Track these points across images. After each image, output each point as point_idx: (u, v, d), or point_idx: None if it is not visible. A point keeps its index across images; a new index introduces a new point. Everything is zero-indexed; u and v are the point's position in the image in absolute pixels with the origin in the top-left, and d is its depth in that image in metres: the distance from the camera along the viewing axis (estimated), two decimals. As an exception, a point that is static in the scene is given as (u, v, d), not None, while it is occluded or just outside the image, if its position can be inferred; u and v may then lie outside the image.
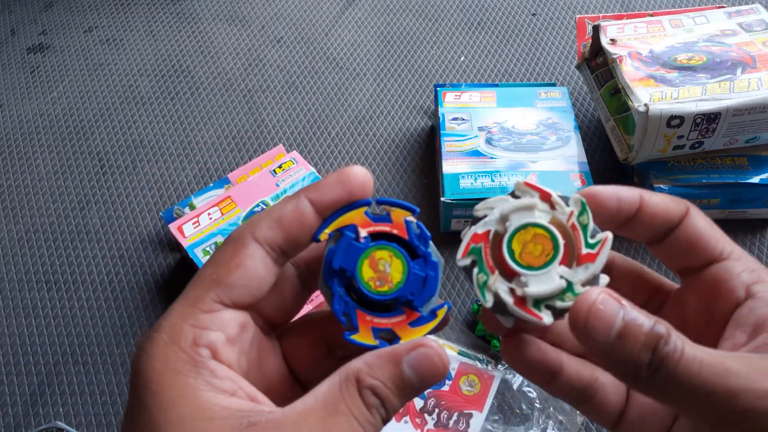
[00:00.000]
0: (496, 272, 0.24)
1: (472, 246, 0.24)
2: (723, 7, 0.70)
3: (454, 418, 0.52)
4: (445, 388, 0.54)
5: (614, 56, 0.65)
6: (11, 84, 0.83)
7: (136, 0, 0.94)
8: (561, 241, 0.23)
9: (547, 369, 0.26)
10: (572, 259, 0.24)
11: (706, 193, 0.62)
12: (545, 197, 0.24)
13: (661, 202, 0.25)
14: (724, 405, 0.20)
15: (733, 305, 0.23)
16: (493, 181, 0.62)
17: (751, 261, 0.24)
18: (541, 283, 0.23)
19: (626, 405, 0.26)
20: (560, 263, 0.23)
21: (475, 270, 0.24)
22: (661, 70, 0.63)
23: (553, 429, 0.52)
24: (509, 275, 0.24)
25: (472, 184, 0.62)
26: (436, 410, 0.53)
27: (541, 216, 0.24)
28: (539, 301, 0.23)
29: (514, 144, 0.65)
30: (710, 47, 0.65)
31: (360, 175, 0.24)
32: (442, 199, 0.62)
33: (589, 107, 0.77)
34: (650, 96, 0.59)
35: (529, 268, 0.23)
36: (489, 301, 0.24)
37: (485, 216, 0.25)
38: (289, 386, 0.26)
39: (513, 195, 0.25)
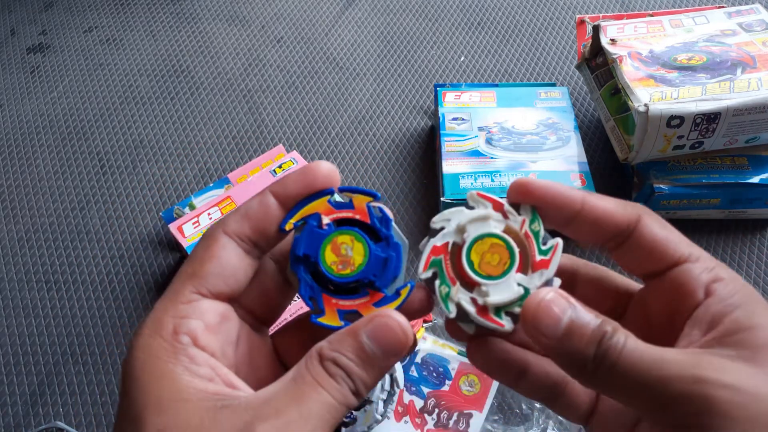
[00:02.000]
0: (458, 283, 0.25)
1: (432, 258, 0.26)
2: (723, 7, 0.70)
3: (454, 418, 0.52)
4: (445, 388, 0.54)
5: (614, 56, 0.65)
6: (11, 84, 0.83)
7: (136, 0, 0.94)
8: (516, 250, 0.25)
9: (512, 369, 0.26)
10: (527, 266, 0.25)
11: (706, 193, 0.62)
12: (498, 207, 0.26)
13: (606, 206, 0.25)
14: (659, 392, 0.21)
15: (693, 307, 0.24)
16: (493, 181, 0.62)
17: (710, 260, 0.25)
18: (501, 291, 0.24)
19: (597, 401, 0.27)
20: (517, 271, 0.25)
21: (437, 282, 0.25)
22: (661, 70, 0.63)
23: (553, 429, 0.52)
24: (470, 285, 0.25)
25: (472, 184, 0.62)
26: (436, 410, 0.53)
27: (496, 225, 0.25)
28: (500, 309, 0.24)
29: (514, 144, 0.65)
30: (710, 47, 0.65)
31: (323, 169, 0.25)
32: (442, 199, 0.61)
33: (589, 107, 0.77)
34: (650, 96, 0.59)
35: (489, 277, 0.25)
36: (453, 312, 0.25)
37: (442, 228, 0.26)
38: None
39: (467, 206, 0.26)
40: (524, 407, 0.53)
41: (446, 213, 0.26)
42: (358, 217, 0.26)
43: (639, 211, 0.25)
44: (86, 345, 0.60)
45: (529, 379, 0.26)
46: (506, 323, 0.24)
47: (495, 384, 0.54)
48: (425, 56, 0.84)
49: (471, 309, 0.24)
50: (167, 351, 0.22)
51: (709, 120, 0.58)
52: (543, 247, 0.25)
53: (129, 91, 0.82)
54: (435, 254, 0.26)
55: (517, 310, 0.24)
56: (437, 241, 0.26)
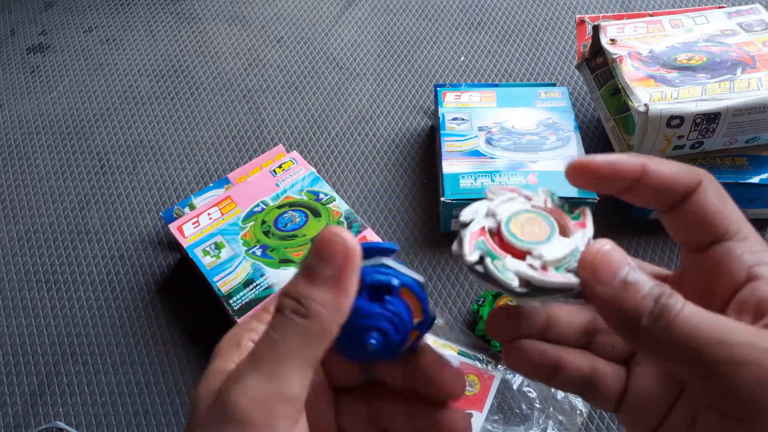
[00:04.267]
0: (508, 256, 0.24)
1: (474, 242, 0.25)
2: (723, 7, 0.70)
3: (454, 418, 0.52)
4: (445, 388, 0.54)
5: (614, 56, 0.65)
6: (11, 84, 0.83)
7: (136, 0, 0.94)
8: (551, 217, 0.25)
9: (547, 368, 0.26)
10: (565, 231, 0.25)
11: (706, 193, 0.62)
12: (517, 193, 0.26)
13: (669, 172, 0.24)
14: (719, 355, 0.20)
15: (732, 288, 0.23)
16: (493, 181, 0.62)
17: (757, 242, 0.24)
18: (554, 250, 0.24)
19: (626, 390, 0.27)
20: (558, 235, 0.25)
21: (488, 260, 0.24)
22: (661, 70, 0.63)
23: (553, 429, 0.52)
24: (519, 256, 0.24)
25: (472, 184, 0.62)
26: (436, 410, 0.53)
27: (524, 204, 0.26)
28: (558, 268, 0.24)
29: (514, 144, 0.65)
30: (710, 47, 0.65)
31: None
32: (442, 199, 0.62)
33: (589, 107, 0.77)
34: (650, 96, 0.59)
35: (537, 242, 0.24)
36: (515, 282, 0.23)
37: (472, 219, 0.26)
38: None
39: (487, 199, 0.27)
40: (524, 407, 0.53)
41: (473, 206, 0.26)
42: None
43: (701, 176, 0.24)
44: (86, 345, 0.60)
45: (563, 375, 0.27)
46: (573, 278, 0.23)
47: (495, 384, 0.54)
48: (425, 56, 0.84)
49: (534, 273, 0.23)
50: (231, 339, 0.25)
51: (709, 120, 0.58)
52: (572, 214, 0.25)
53: (129, 91, 0.82)
54: (475, 238, 0.25)
55: (574, 264, 0.24)
56: (473, 227, 0.25)
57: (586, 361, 0.27)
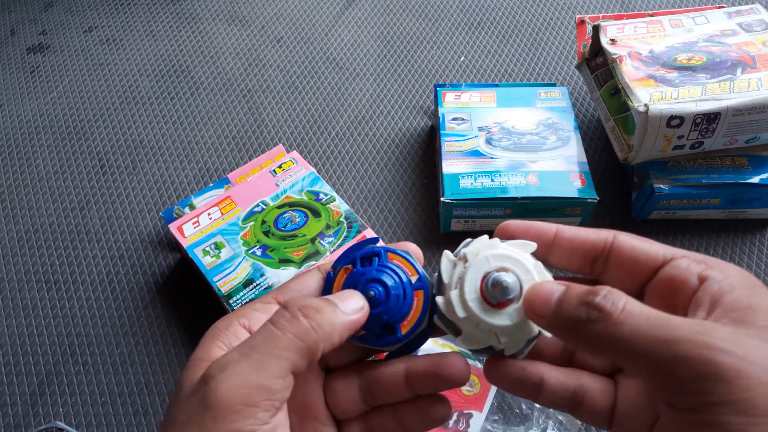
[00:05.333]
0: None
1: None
2: (723, 7, 0.70)
3: (454, 418, 0.52)
4: (445, 388, 0.54)
5: (614, 56, 0.65)
6: (11, 84, 0.83)
7: (136, 0, 0.94)
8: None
9: (528, 384, 0.27)
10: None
11: (706, 193, 0.62)
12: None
13: (577, 231, 0.27)
14: (663, 354, 0.21)
15: (690, 295, 0.24)
16: (492, 181, 0.62)
17: (696, 254, 0.25)
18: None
19: (615, 404, 0.27)
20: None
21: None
22: (661, 70, 0.63)
23: (553, 429, 0.52)
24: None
25: (472, 184, 0.62)
26: (436, 410, 0.53)
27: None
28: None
29: (514, 144, 0.65)
30: (710, 47, 0.65)
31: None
32: (442, 199, 0.62)
33: (589, 107, 0.77)
34: (650, 96, 0.59)
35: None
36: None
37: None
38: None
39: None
40: (524, 407, 0.53)
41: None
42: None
43: (613, 232, 0.27)
44: (86, 345, 0.60)
45: (547, 390, 0.27)
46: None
47: (495, 384, 0.54)
48: (425, 56, 0.84)
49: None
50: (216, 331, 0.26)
51: (709, 120, 0.58)
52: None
53: (129, 91, 0.82)
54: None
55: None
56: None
57: (572, 378, 0.27)
